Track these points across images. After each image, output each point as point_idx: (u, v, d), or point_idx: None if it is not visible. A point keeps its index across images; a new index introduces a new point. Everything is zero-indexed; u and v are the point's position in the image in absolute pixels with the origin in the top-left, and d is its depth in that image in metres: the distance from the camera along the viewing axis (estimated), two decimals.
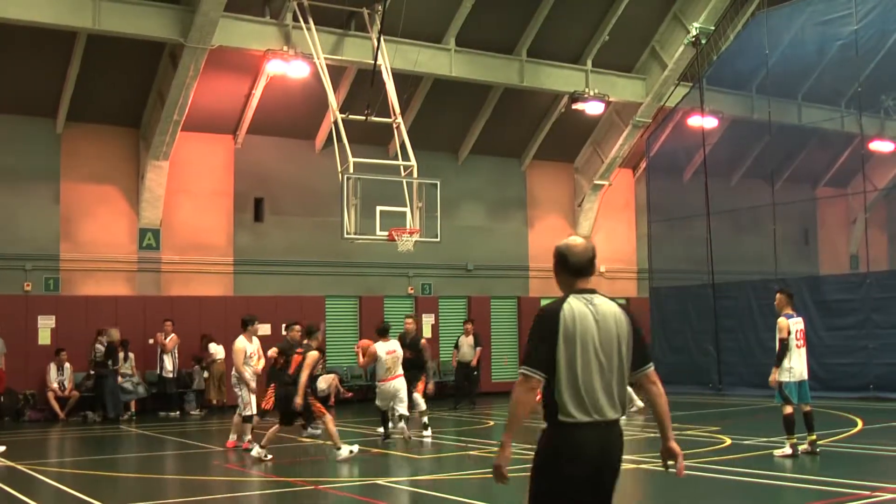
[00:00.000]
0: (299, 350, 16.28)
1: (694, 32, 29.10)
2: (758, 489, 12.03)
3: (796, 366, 14.75)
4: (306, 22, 24.73)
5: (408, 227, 23.53)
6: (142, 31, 23.21)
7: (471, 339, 26.49)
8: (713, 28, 29.53)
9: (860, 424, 18.72)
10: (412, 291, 29.76)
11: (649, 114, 31.18)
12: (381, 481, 13.53)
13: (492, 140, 30.56)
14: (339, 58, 25.72)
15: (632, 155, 33.06)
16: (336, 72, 25.88)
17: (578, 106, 29.50)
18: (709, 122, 30.88)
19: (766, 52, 29.01)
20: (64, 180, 25.47)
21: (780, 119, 30.97)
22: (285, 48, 24.72)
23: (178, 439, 20.00)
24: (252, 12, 24.71)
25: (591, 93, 29.27)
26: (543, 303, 28.77)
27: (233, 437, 17.69)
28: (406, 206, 23.79)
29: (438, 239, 24.41)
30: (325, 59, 24.81)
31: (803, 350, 14.98)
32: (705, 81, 30.21)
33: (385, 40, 25.17)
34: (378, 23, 25.08)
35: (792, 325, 14.87)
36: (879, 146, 34.91)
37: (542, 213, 32.66)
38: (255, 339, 17.94)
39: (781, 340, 14.69)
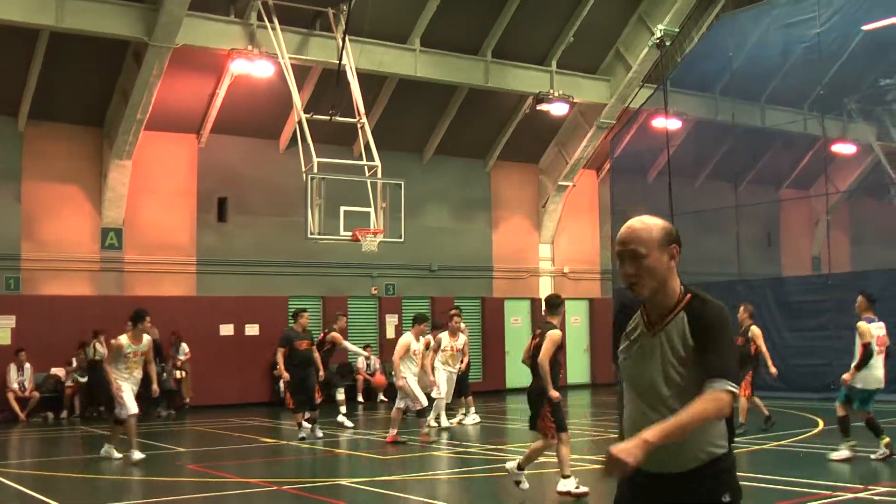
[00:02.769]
0: None
1: (658, 34, 29.19)
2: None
3: (873, 372, 14.42)
4: (271, 21, 24.65)
5: (372, 227, 23.50)
6: (105, 30, 23.04)
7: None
8: (678, 30, 29.63)
9: (821, 425, 18.83)
10: (376, 292, 29.71)
11: (613, 115, 31.26)
12: (344, 482, 13.49)
13: (456, 141, 30.56)
14: (304, 57, 25.65)
15: (596, 156, 33.15)
16: (301, 71, 25.80)
17: (543, 107, 29.54)
18: (673, 124, 30.98)
19: (730, 54, 29.12)
20: (26, 179, 25.23)
21: (744, 121, 31.18)
22: (250, 47, 24.62)
23: (144, 440, 19.86)
24: (217, 11, 24.58)
25: (556, 94, 29.33)
26: (508, 304, 28.92)
27: (393, 432, 17.67)
28: (370, 206, 23.75)
29: (402, 239, 24.37)
30: (290, 58, 24.74)
31: (881, 357, 14.69)
32: (669, 83, 30.26)
33: (350, 40, 25.14)
34: (343, 23, 25.04)
35: (873, 329, 14.55)
36: (842, 148, 35.18)
37: (506, 214, 32.69)
38: (422, 337, 18.68)
39: (865, 345, 14.30)
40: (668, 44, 29.49)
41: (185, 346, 25.64)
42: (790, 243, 37.47)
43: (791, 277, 30.69)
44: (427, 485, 13.50)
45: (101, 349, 23.75)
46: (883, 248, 35.45)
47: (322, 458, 16.59)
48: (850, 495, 11.12)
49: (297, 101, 24.63)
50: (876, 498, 10.91)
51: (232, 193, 27.73)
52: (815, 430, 18.00)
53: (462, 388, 20.80)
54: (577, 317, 33.83)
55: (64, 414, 24.32)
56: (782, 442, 16.28)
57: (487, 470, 14.50)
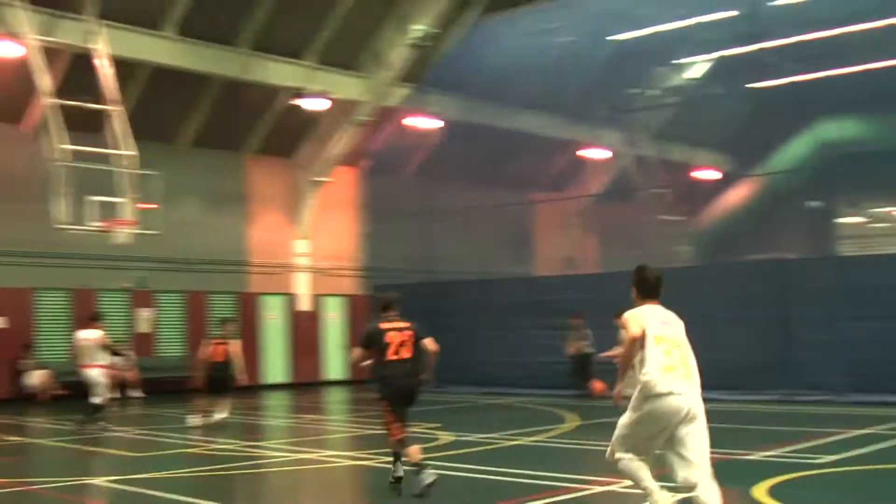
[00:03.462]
0: None
1: (416, 34, 29.41)
2: (476, 484, 12.17)
3: None
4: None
5: (123, 218, 22.73)
6: None
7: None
8: (436, 31, 29.91)
9: (569, 422, 19.27)
10: (127, 285, 28.78)
11: (371, 112, 31.31)
12: (95, 480, 12.96)
13: (212, 132, 30.02)
14: (53, 39, 24.53)
15: (355, 152, 33.12)
16: (50, 54, 24.69)
17: (300, 102, 29.39)
18: (430, 124, 31.30)
19: (487, 57, 29.58)
20: None
21: (500, 123, 31.73)
22: None
23: None
24: None
25: (314, 89, 29.17)
26: (264, 299, 28.68)
27: None
28: (123, 196, 22.96)
29: (156, 231, 23.69)
30: (37, 40, 23.62)
31: None
32: (427, 83, 30.56)
33: (104, 25, 24.23)
34: (96, 5, 24.12)
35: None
36: (593, 153, 36.35)
37: (262, 209, 32.30)
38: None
39: None
40: (426, 44, 29.75)
41: None
42: (543, 243, 38.41)
43: (543, 277, 31.42)
44: (175, 482, 13.11)
45: None
46: (628, 250, 36.94)
47: (68, 456, 15.91)
48: (599, 489, 11.39)
49: (44, 84, 23.53)
50: (622, 490, 11.19)
51: None
52: (568, 426, 18.41)
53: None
54: (334, 313, 33.71)
55: None
56: (535, 438, 16.58)
57: (246, 467, 14.23)
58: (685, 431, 8.04)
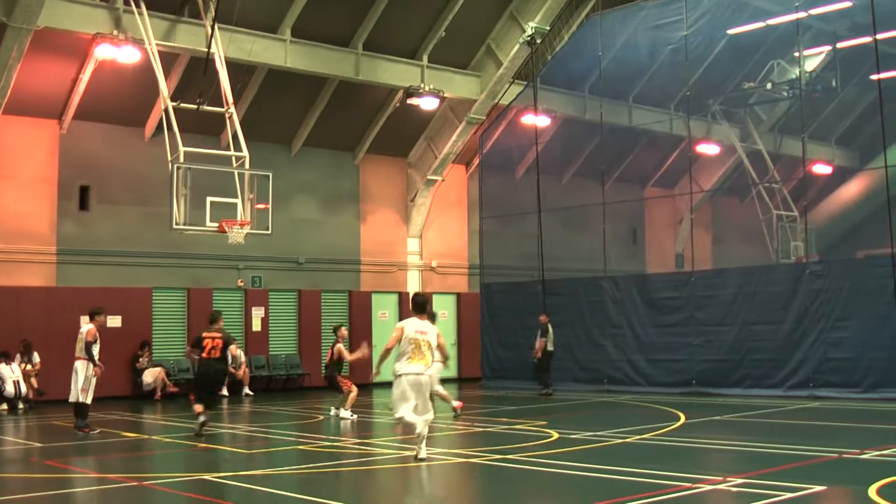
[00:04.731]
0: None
1: (529, 32, 29.39)
2: (584, 482, 12.15)
3: None
4: (138, 6, 24.07)
5: (238, 218, 23.13)
6: None
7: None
8: (548, 28, 29.87)
9: (682, 419, 19.14)
10: (242, 284, 29.33)
11: (483, 111, 31.39)
12: (207, 476, 13.24)
13: (326, 133, 30.36)
14: (172, 44, 25.14)
15: (465, 151, 33.25)
16: (168, 58, 25.30)
17: (413, 101, 29.54)
18: (542, 121, 31.25)
19: (600, 53, 29.46)
20: None
21: (612, 120, 31.56)
22: (115, 32, 24.00)
23: None
24: None
25: (427, 88, 29.31)
26: (375, 298, 29.12)
27: None
28: (237, 197, 23.38)
29: (270, 231, 24.07)
30: (157, 45, 24.21)
31: None
32: (539, 81, 30.53)
33: (219, 28, 24.71)
34: (212, 10, 24.61)
35: None
36: (706, 149, 35.94)
37: (374, 208, 32.58)
38: None
39: None
40: (538, 41, 29.71)
41: (36, 356, 24.83)
42: (654, 241, 38.13)
43: (655, 274, 31.19)
44: (286, 479, 13.31)
45: None
46: (741, 246, 36.43)
47: (186, 452, 16.26)
48: (708, 487, 11.30)
49: (164, 88, 24.12)
50: (733, 489, 11.09)
51: (95, 182, 27.06)
52: (677, 424, 18.27)
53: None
54: (444, 311, 33.91)
55: None
56: (645, 436, 16.49)
57: (358, 464, 14.40)
58: (419, 392, 13.81)
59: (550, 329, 26.81)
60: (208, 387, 18.25)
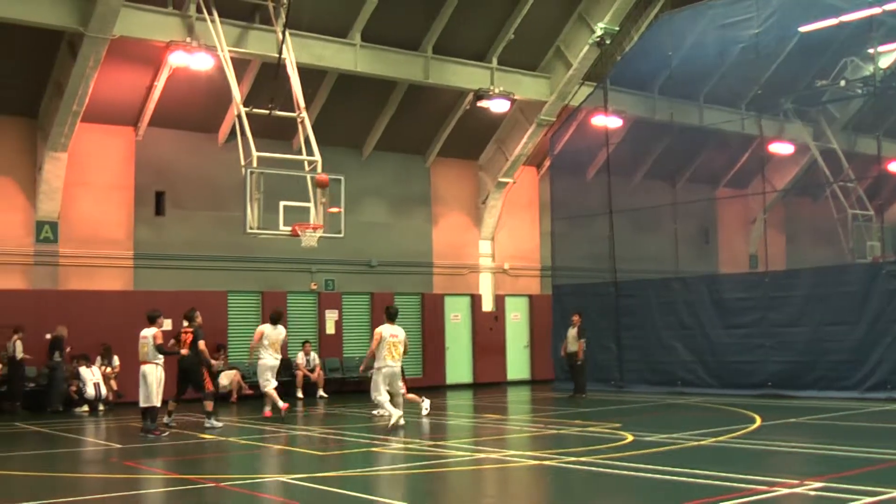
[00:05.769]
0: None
1: (598, 33, 29.32)
2: (659, 485, 12.12)
3: None
4: (210, 14, 24.40)
5: (311, 222, 23.31)
6: (39, 19, 22.63)
7: (575, 330, 27.10)
8: (617, 29, 29.78)
9: (758, 421, 19.00)
10: (315, 287, 29.58)
11: (553, 112, 31.35)
12: (284, 478, 13.39)
13: (396, 136, 30.50)
14: (243, 51, 25.43)
15: (536, 153, 33.23)
16: (240, 65, 25.58)
17: (483, 103, 29.58)
18: (612, 122, 31.15)
19: (669, 53, 29.35)
20: None
21: (682, 120, 31.42)
22: (188, 40, 24.34)
23: (75, 436, 19.63)
24: (155, 2, 24.27)
25: (496, 90, 29.34)
26: (448, 300, 29.31)
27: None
28: (309, 201, 23.57)
29: (342, 234, 24.24)
30: (229, 51, 24.51)
31: None
32: (609, 81, 30.45)
33: (290, 34, 24.95)
34: (283, 16, 24.86)
35: None
36: (778, 148, 35.60)
37: (445, 211, 32.69)
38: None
39: None
40: (607, 42, 29.64)
41: (115, 359, 25.26)
42: (726, 241, 37.83)
43: (727, 275, 30.94)
44: (359, 481, 13.42)
45: (20, 347, 23.64)
46: (815, 246, 35.99)
47: (256, 454, 16.45)
48: (785, 490, 11.22)
49: (237, 94, 24.40)
50: (811, 493, 11.02)
51: (170, 187, 27.46)
52: (753, 427, 18.14)
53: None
54: (517, 313, 33.93)
55: None
56: (720, 438, 16.40)
57: (430, 466, 14.48)
58: (393, 379, 18.72)
59: (574, 330, 26.94)
60: (185, 381, 20.22)
